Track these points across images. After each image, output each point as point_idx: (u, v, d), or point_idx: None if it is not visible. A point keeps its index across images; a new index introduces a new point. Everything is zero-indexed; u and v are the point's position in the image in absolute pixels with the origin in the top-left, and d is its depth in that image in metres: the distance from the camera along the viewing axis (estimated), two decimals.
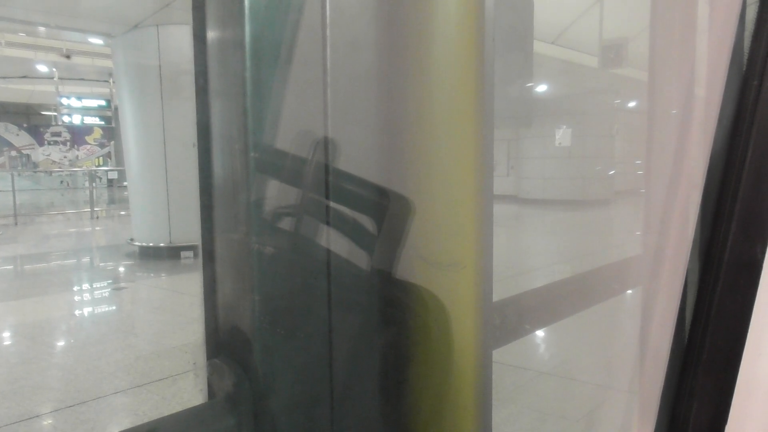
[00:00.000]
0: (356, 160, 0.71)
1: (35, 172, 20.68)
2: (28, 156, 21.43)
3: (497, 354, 0.83)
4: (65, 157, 21.61)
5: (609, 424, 2.33)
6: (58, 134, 21.34)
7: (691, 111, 0.92)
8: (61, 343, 4.07)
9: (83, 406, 2.83)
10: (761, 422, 0.80)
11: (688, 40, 0.92)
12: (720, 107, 0.84)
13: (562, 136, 13.70)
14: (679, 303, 0.96)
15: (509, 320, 0.99)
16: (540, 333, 3.76)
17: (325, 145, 0.69)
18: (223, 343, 0.69)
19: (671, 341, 0.97)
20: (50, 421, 2.73)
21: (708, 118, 0.87)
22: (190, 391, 3.00)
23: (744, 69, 0.82)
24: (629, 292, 1.41)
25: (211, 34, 0.72)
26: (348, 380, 0.71)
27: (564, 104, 13.45)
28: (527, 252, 7.77)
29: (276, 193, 0.70)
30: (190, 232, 6.74)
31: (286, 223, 0.70)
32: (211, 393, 0.68)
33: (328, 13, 0.69)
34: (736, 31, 0.84)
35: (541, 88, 12.35)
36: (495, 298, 0.80)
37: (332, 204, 0.69)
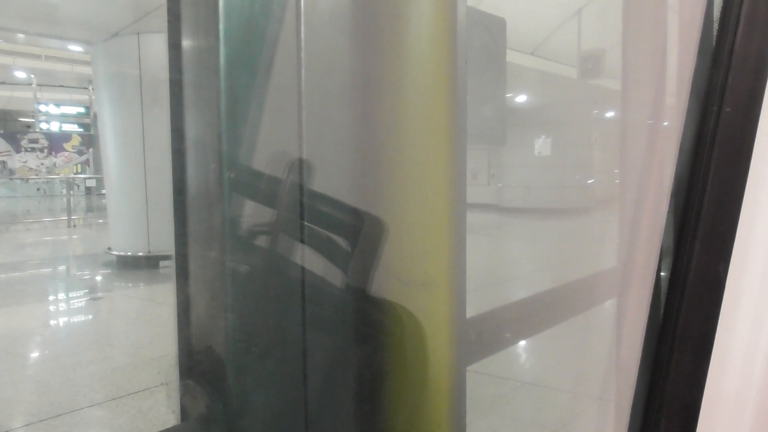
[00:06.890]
0: (330, 179, 0.72)
1: (11, 179, 20.31)
2: (4, 163, 21.03)
3: (471, 364, 0.84)
4: (42, 164, 21.23)
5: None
6: (36, 141, 20.98)
7: (659, 123, 0.95)
8: (35, 355, 3.99)
9: (57, 419, 2.79)
10: None
11: (658, 51, 0.95)
12: (683, 128, 0.87)
13: (542, 145, 13.84)
14: (648, 314, 0.98)
15: (483, 336, 1.01)
16: (513, 347, 3.78)
17: (300, 164, 0.69)
18: (197, 363, 0.69)
19: (640, 353, 0.99)
20: None
21: (674, 135, 0.90)
22: (167, 405, 2.96)
23: (704, 94, 0.84)
24: (600, 305, 1.43)
25: (186, 44, 0.73)
26: (323, 399, 0.71)
27: (543, 114, 13.60)
28: (506, 261, 7.82)
29: (250, 211, 0.71)
30: (169, 241, 6.66)
31: (260, 241, 0.70)
32: (184, 414, 0.68)
33: (302, 32, 0.70)
34: (700, 47, 0.86)
35: (521, 98, 12.47)
36: (473, 311, 0.81)
37: (307, 223, 0.70)
